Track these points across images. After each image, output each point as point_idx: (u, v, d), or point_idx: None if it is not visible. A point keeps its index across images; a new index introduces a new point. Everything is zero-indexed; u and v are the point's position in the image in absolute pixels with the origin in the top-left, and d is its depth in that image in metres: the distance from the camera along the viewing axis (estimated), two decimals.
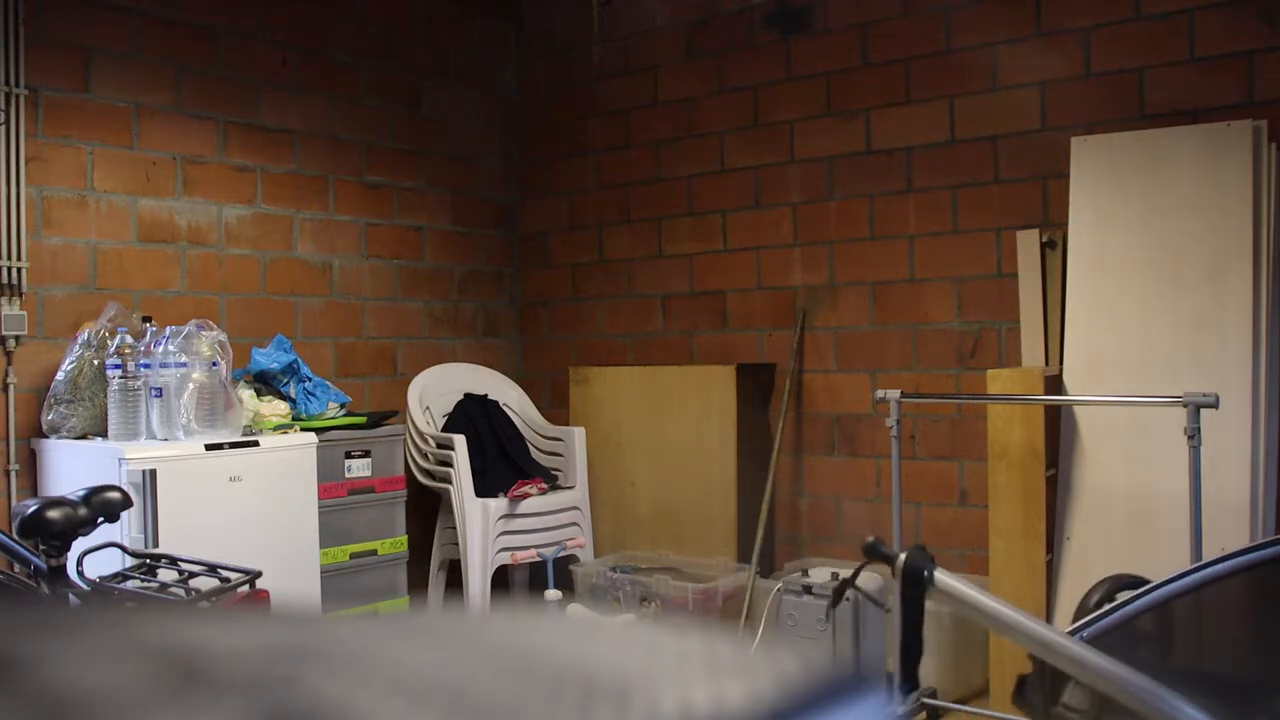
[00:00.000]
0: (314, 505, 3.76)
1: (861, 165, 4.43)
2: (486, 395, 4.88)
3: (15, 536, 2.38)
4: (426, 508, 4.60)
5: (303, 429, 3.93)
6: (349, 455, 4.13)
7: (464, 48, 5.25)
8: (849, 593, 3.42)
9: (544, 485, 4.51)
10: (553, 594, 4.06)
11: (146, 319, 3.73)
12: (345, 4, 4.72)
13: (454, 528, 4.36)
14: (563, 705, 0.30)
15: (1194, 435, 2.92)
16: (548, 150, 5.41)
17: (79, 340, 3.62)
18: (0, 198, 3.60)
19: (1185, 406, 2.94)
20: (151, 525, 3.25)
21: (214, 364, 3.57)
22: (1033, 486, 3.52)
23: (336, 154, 4.68)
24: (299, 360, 4.15)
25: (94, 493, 2.47)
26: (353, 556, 4.11)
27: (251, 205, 4.37)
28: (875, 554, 1.30)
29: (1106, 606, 1.45)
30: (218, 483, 3.46)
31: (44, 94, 3.74)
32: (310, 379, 4.16)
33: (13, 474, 3.64)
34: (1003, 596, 3.79)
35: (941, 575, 1.23)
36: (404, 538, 4.29)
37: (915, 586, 1.21)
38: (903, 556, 1.25)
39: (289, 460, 3.70)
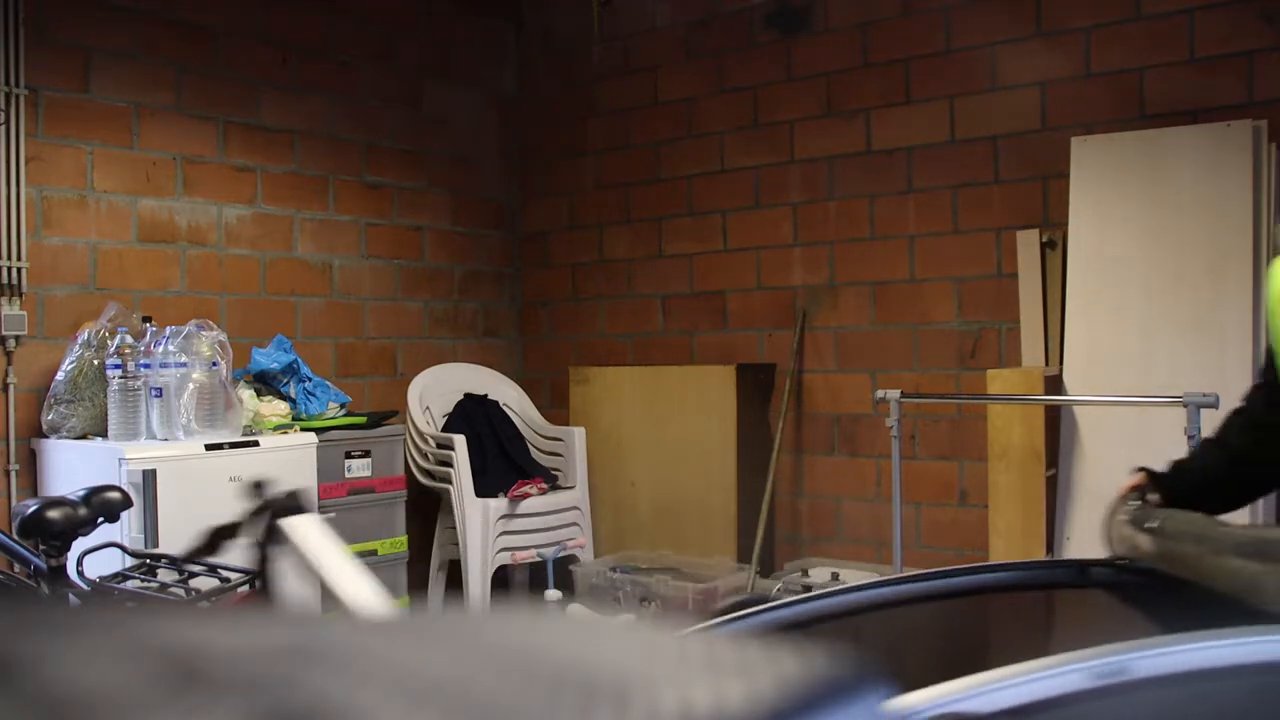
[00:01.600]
0: (314, 505, 3.76)
1: (861, 165, 4.43)
2: (486, 395, 4.88)
3: (15, 536, 2.38)
4: (426, 508, 4.59)
5: (303, 429, 3.93)
6: (349, 455, 4.13)
7: (464, 48, 5.25)
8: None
9: (544, 485, 4.51)
10: (553, 594, 4.06)
11: (146, 319, 3.73)
12: (345, 4, 4.72)
13: (454, 528, 4.36)
14: (563, 705, 0.30)
15: (1194, 435, 2.92)
16: (548, 150, 5.41)
17: (79, 340, 3.62)
18: (0, 198, 3.60)
19: (1185, 406, 2.94)
20: (151, 525, 3.25)
21: (214, 364, 3.57)
22: (1033, 486, 3.52)
23: (336, 154, 4.68)
24: (299, 360, 4.15)
25: (94, 493, 2.46)
26: (352, 556, 4.10)
27: (251, 205, 4.37)
28: (256, 494, 1.37)
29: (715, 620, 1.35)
30: (218, 483, 3.46)
31: (44, 94, 3.74)
32: (310, 379, 4.16)
33: (13, 474, 3.64)
34: None
35: (294, 521, 1.29)
36: (404, 538, 4.29)
37: (272, 535, 1.22)
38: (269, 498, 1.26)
39: (289, 460, 3.70)
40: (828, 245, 4.53)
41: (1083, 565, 1.60)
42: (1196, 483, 1.69)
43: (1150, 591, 1.52)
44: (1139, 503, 1.58)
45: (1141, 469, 1.70)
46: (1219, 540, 1.36)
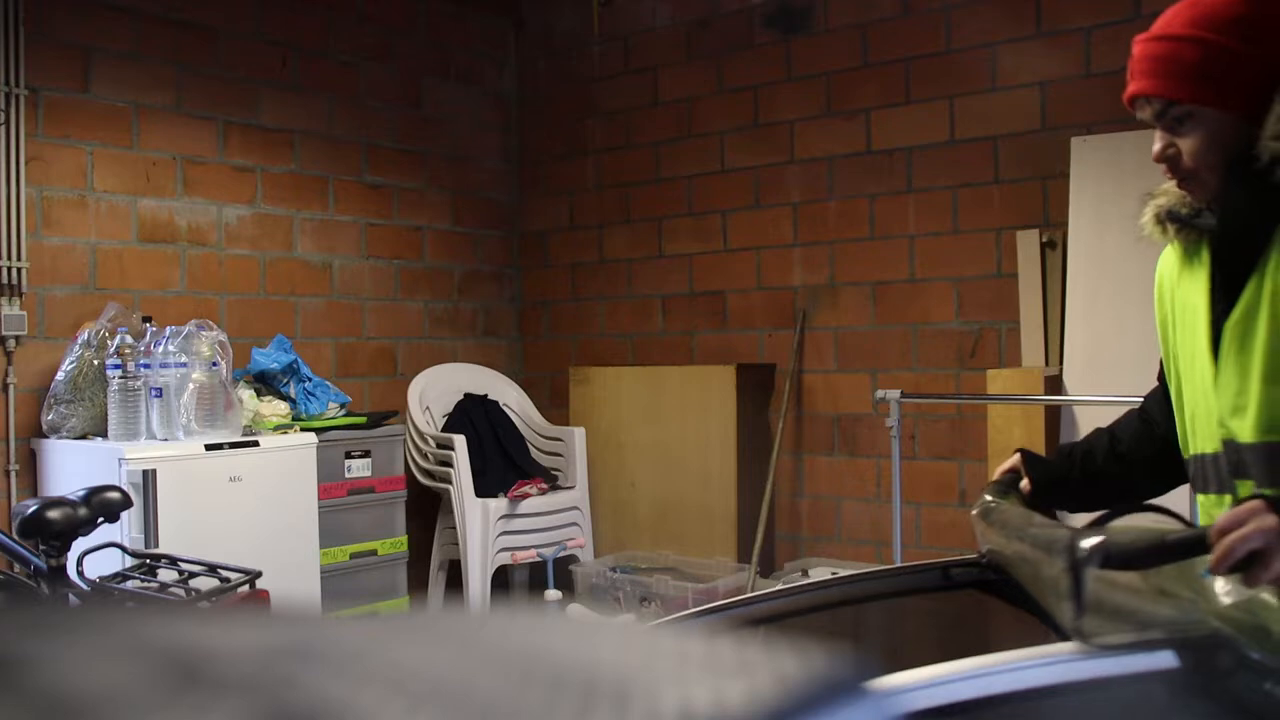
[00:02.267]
0: (314, 505, 3.76)
1: (861, 165, 4.43)
2: (486, 395, 4.88)
3: (15, 536, 2.38)
4: (426, 508, 4.60)
5: (303, 429, 3.93)
6: (349, 455, 4.13)
7: (464, 47, 5.25)
8: None
9: (544, 485, 4.51)
10: (553, 594, 4.06)
11: (146, 319, 3.73)
12: (345, 4, 4.72)
13: (454, 528, 4.36)
14: (563, 705, 0.30)
15: None
16: (548, 150, 5.41)
17: (79, 340, 3.62)
18: (0, 198, 3.60)
19: None
20: (151, 525, 3.25)
21: (214, 364, 3.57)
22: None
23: (336, 154, 4.68)
24: (299, 360, 4.15)
25: (94, 493, 2.46)
26: (353, 556, 4.11)
27: (251, 205, 4.37)
28: None
29: None
30: (218, 483, 3.46)
31: (44, 94, 3.74)
32: (310, 379, 4.16)
33: (13, 474, 3.64)
34: None
35: None
36: (404, 538, 4.29)
37: None
38: None
39: (289, 460, 3.70)
40: (828, 245, 4.52)
41: (946, 567, 1.56)
42: (1077, 471, 1.61)
43: (989, 594, 1.48)
44: (991, 499, 1.50)
45: (1020, 450, 1.63)
46: (1026, 537, 1.32)
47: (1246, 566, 1.16)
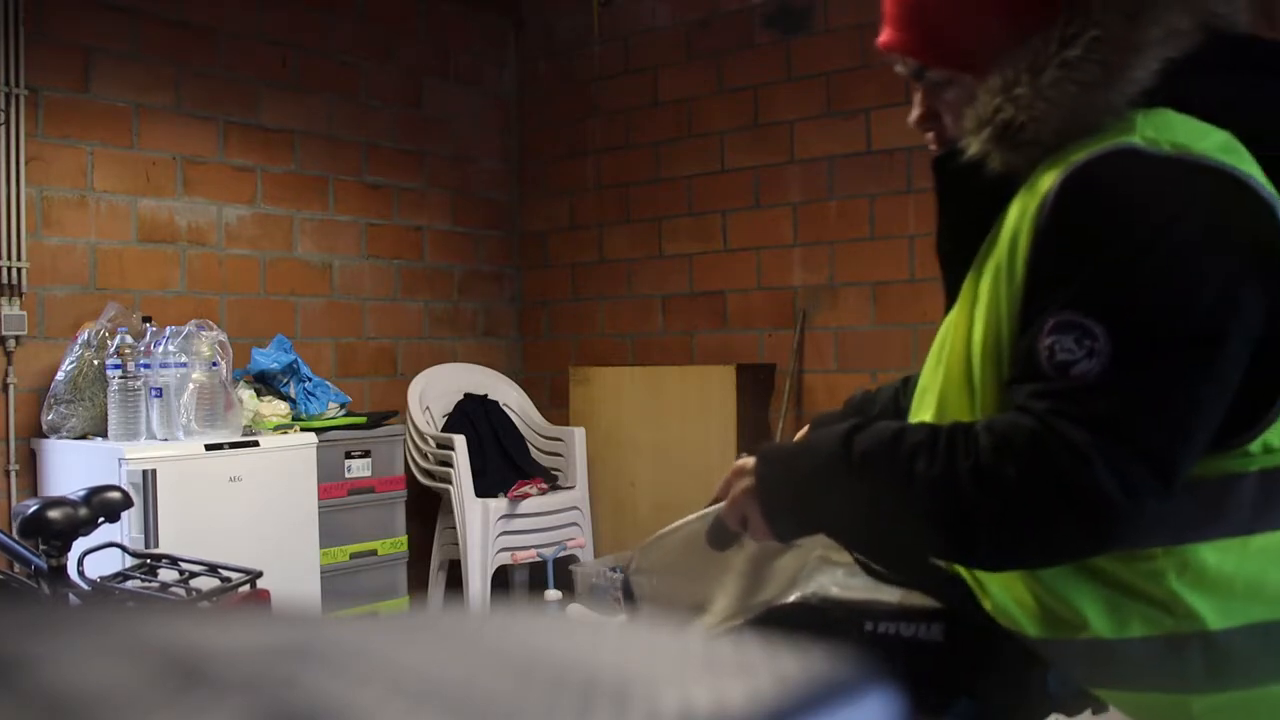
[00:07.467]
0: (314, 505, 3.76)
1: (861, 165, 4.43)
2: (486, 395, 4.88)
3: (15, 536, 2.38)
4: (426, 508, 4.59)
5: (303, 429, 3.93)
6: (349, 455, 4.13)
7: (464, 47, 5.25)
8: None
9: (544, 485, 4.51)
10: (553, 594, 4.06)
11: (146, 319, 3.73)
12: (345, 4, 4.72)
13: (454, 528, 4.36)
14: (563, 705, 0.30)
15: None
16: (548, 150, 5.41)
17: (79, 340, 3.63)
18: (0, 198, 3.60)
19: None
20: (151, 525, 3.25)
21: (214, 364, 3.57)
22: None
23: (336, 154, 4.68)
24: (299, 360, 4.15)
25: (94, 493, 2.46)
26: (353, 556, 4.11)
27: (251, 205, 4.37)
28: None
29: None
30: (218, 483, 3.46)
31: (44, 94, 3.74)
32: (310, 379, 4.16)
33: (13, 474, 3.65)
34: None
35: None
36: (404, 538, 4.29)
37: None
38: None
39: (289, 460, 3.70)
40: (828, 245, 4.52)
41: None
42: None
43: None
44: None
45: (818, 416, 1.45)
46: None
47: (746, 529, 1.19)
